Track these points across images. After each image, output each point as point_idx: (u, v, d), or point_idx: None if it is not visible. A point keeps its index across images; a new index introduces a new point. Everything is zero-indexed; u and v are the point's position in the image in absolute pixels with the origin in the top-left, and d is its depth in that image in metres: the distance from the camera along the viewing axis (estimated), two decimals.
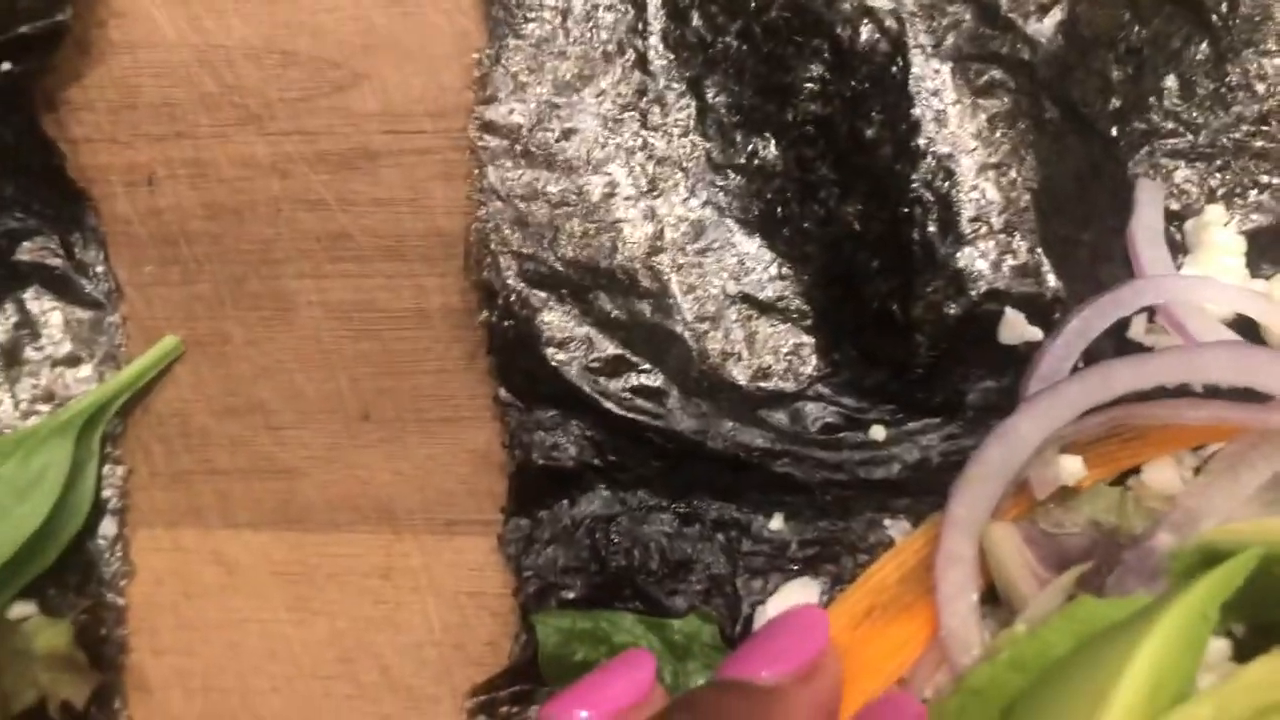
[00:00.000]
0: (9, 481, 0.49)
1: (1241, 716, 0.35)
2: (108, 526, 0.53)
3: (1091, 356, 0.50)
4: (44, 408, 0.53)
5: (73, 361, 0.54)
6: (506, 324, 0.52)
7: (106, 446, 0.53)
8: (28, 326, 0.54)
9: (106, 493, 0.53)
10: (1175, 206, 0.54)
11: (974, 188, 0.52)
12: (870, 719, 0.40)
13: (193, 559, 0.53)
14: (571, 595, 0.51)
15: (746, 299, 0.54)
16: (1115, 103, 0.55)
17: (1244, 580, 0.39)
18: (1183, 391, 0.49)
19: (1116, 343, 0.52)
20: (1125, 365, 0.46)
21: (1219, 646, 0.42)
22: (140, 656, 0.53)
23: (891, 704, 0.41)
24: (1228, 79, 0.55)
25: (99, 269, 0.55)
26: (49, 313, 0.55)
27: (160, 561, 0.53)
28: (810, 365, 0.54)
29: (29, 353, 0.54)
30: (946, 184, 0.52)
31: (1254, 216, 0.54)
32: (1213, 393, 0.49)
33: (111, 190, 0.56)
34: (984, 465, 0.46)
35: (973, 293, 0.51)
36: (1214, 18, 0.55)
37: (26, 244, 0.55)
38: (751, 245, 0.55)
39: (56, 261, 0.55)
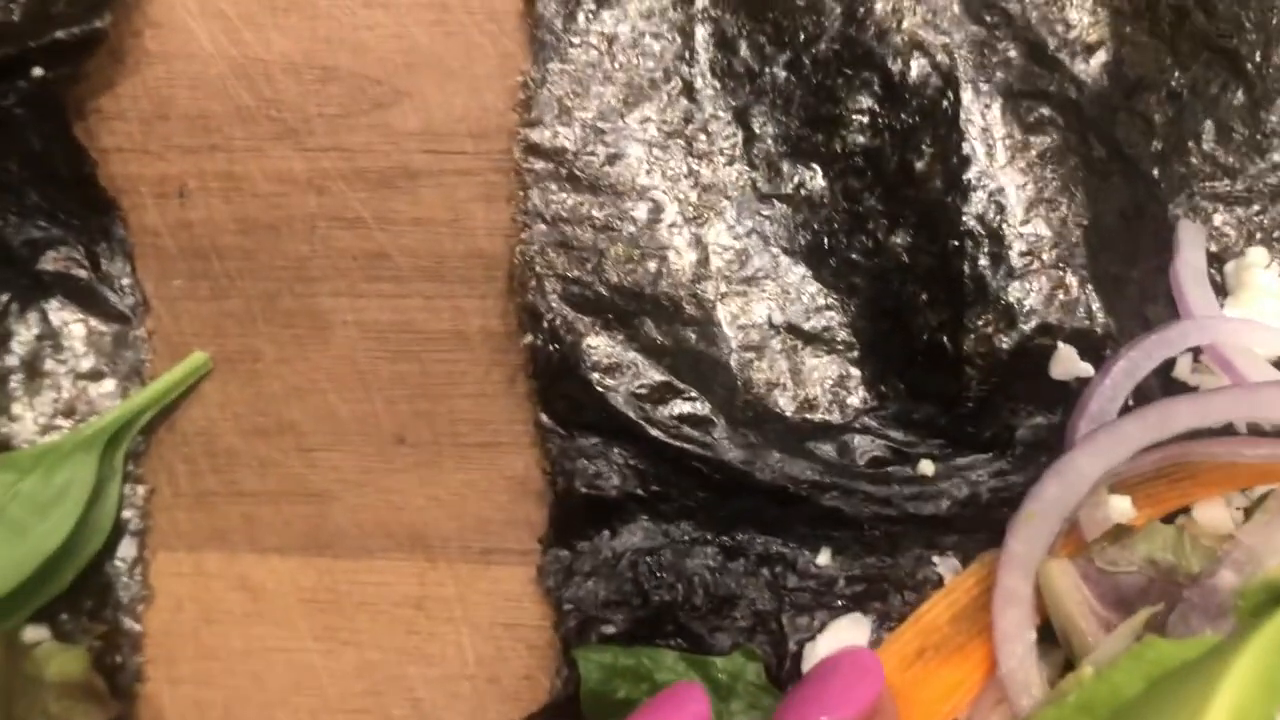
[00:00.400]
0: (30, 497, 0.47)
1: None
2: (127, 548, 0.50)
3: (1139, 396, 0.50)
4: (64, 422, 0.51)
5: (95, 376, 0.52)
6: (551, 348, 0.51)
7: (129, 465, 0.51)
8: (50, 338, 0.52)
9: (126, 513, 0.51)
10: (1214, 249, 0.55)
11: (1025, 222, 0.52)
12: None
13: (216, 584, 0.51)
14: (612, 630, 0.49)
15: (792, 329, 0.54)
16: (1157, 145, 0.55)
17: None
18: (1231, 431, 0.49)
19: (1163, 382, 0.52)
20: (1185, 403, 0.46)
21: None
22: (157, 686, 0.50)
23: None
24: (1263, 125, 0.56)
25: (125, 282, 0.53)
26: (72, 325, 0.52)
27: (181, 586, 0.51)
28: (857, 397, 0.53)
29: (50, 365, 0.52)
30: (998, 218, 0.52)
31: None
32: (1259, 432, 0.49)
33: (141, 201, 0.54)
34: (1041, 502, 0.46)
35: (1025, 327, 0.51)
36: (1249, 66, 0.56)
37: (51, 253, 0.53)
38: (797, 275, 0.54)
39: (81, 273, 0.53)
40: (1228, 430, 0.49)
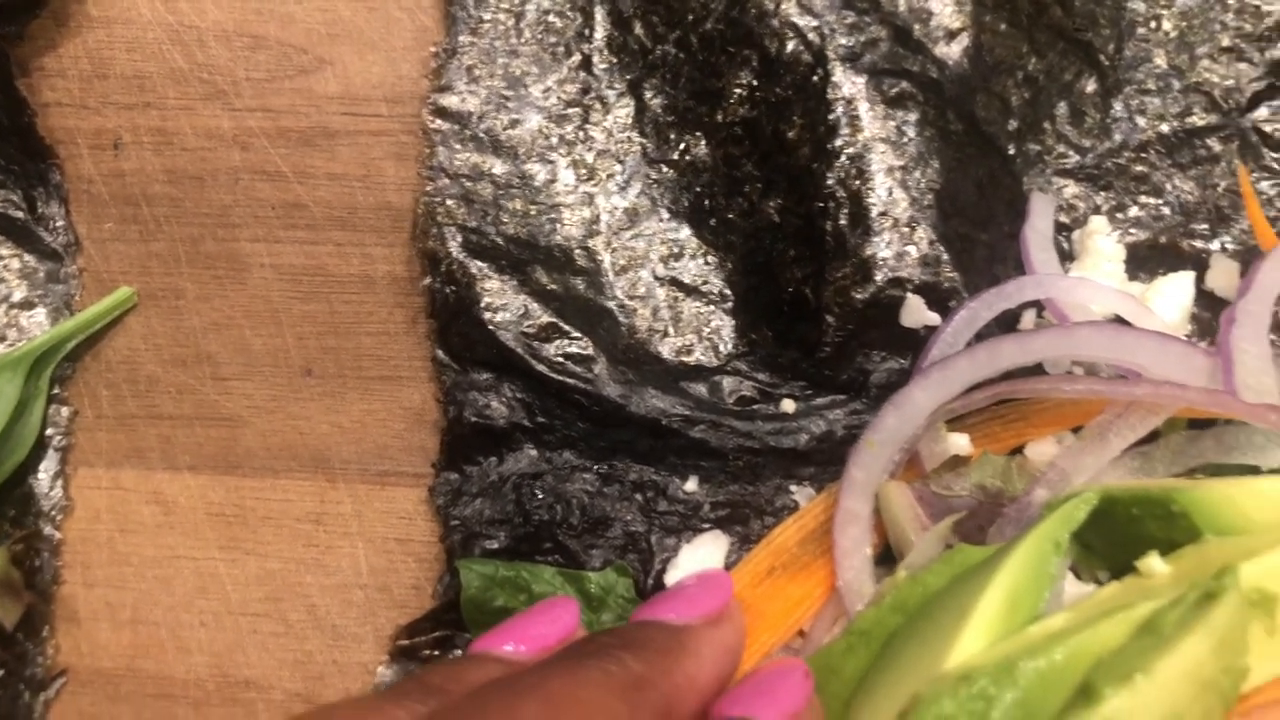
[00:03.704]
0: None
1: (1091, 622, 0.38)
2: (49, 464, 0.55)
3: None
4: None
5: (27, 306, 0.56)
6: (448, 290, 0.56)
7: (55, 388, 0.55)
8: None
9: (51, 432, 0.55)
10: (1065, 220, 0.60)
11: (883, 186, 0.57)
12: (759, 681, 0.42)
13: (131, 498, 0.55)
14: (495, 545, 0.54)
15: (674, 282, 0.59)
16: (1013, 124, 0.61)
17: (1088, 515, 0.43)
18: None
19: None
20: (1010, 341, 0.51)
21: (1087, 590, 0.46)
22: (72, 589, 0.54)
23: (780, 670, 0.43)
24: (1112, 111, 0.61)
25: (59, 223, 0.57)
26: (8, 260, 0.57)
27: (99, 499, 0.55)
28: (729, 344, 0.58)
29: None
30: (858, 182, 0.57)
31: (1132, 231, 0.60)
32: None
33: (78, 152, 0.59)
34: (881, 432, 0.51)
35: (878, 279, 0.56)
36: (1102, 57, 0.61)
37: None
38: (681, 234, 0.59)
39: (19, 214, 0.58)
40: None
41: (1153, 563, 0.42)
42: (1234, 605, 0.38)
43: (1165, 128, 0.60)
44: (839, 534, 0.50)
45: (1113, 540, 0.45)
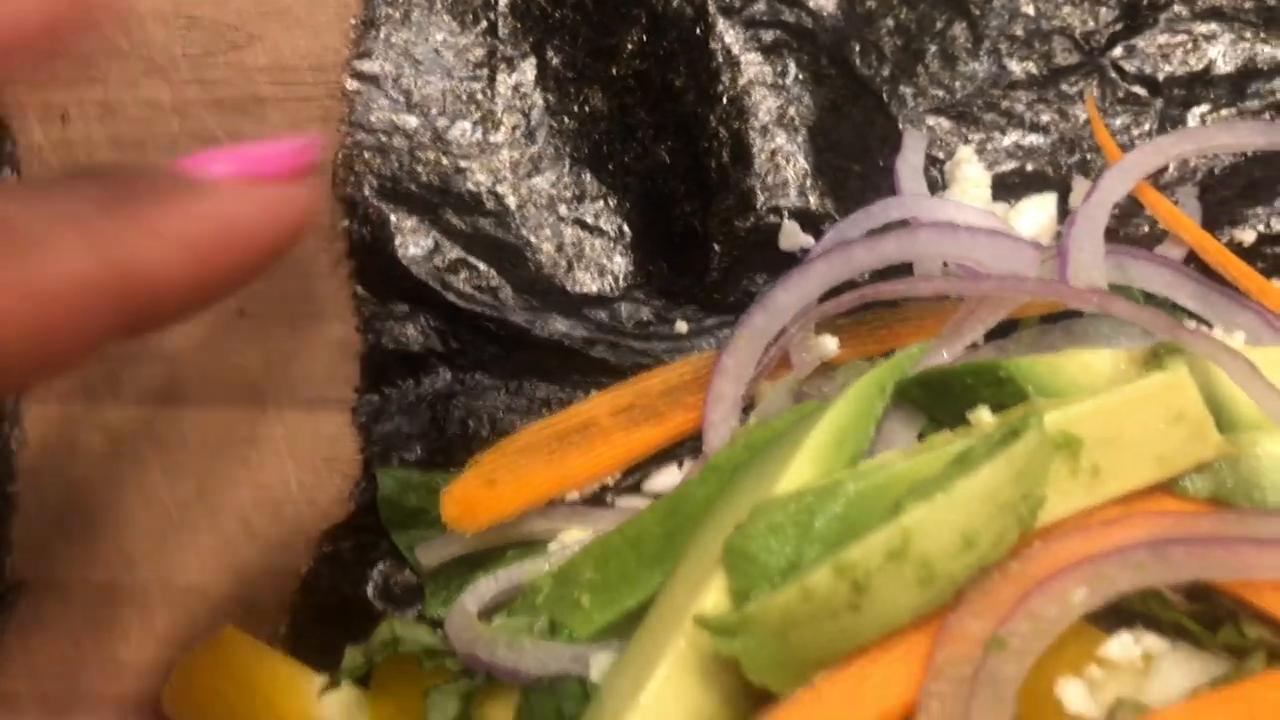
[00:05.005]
0: None
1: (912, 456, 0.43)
2: (6, 402, 0.60)
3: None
4: None
5: None
6: (364, 230, 0.61)
7: None
8: None
9: None
10: (940, 155, 0.65)
11: (760, 125, 0.62)
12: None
13: (81, 428, 0.60)
14: (412, 457, 0.59)
15: (577, 222, 0.64)
16: (887, 69, 0.66)
17: (926, 387, 0.48)
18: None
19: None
20: (860, 245, 0.56)
21: None
22: (26, 511, 0.60)
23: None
24: (981, 54, 0.66)
25: None
26: None
27: (51, 431, 0.60)
28: (627, 276, 0.63)
29: None
30: (738, 122, 0.62)
31: (1002, 163, 0.65)
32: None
33: (28, 125, 0.65)
34: (750, 328, 0.56)
35: (758, 207, 0.61)
36: (972, 6, 0.67)
37: None
38: (582, 178, 0.64)
39: None
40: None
41: (981, 414, 0.46)
42: (1035, 440, 0.43)
43: (1033, 68, 0.66)
44: (709, 410, 0.55)
45: (952, 411, 0.50)
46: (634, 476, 0.58)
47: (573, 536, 0.54)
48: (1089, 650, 0.43)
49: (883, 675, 0.41)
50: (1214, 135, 0.61)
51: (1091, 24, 0.66)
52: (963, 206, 0.61)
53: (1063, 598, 0.42)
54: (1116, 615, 0.45)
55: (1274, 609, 0.43)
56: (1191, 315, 0.58)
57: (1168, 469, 0.45)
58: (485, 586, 0.51)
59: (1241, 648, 0.43)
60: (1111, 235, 0.60)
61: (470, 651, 0.47)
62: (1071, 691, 0.42)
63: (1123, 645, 0.43)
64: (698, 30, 0.64)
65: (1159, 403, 0.45)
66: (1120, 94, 0.65)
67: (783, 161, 0.62)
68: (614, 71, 0.65)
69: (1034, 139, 0.65)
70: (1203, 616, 0.45)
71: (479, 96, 0.65)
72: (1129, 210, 0.64)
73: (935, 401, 0.50)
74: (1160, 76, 0.65)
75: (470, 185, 0.63)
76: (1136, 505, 0.45)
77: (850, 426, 0.45)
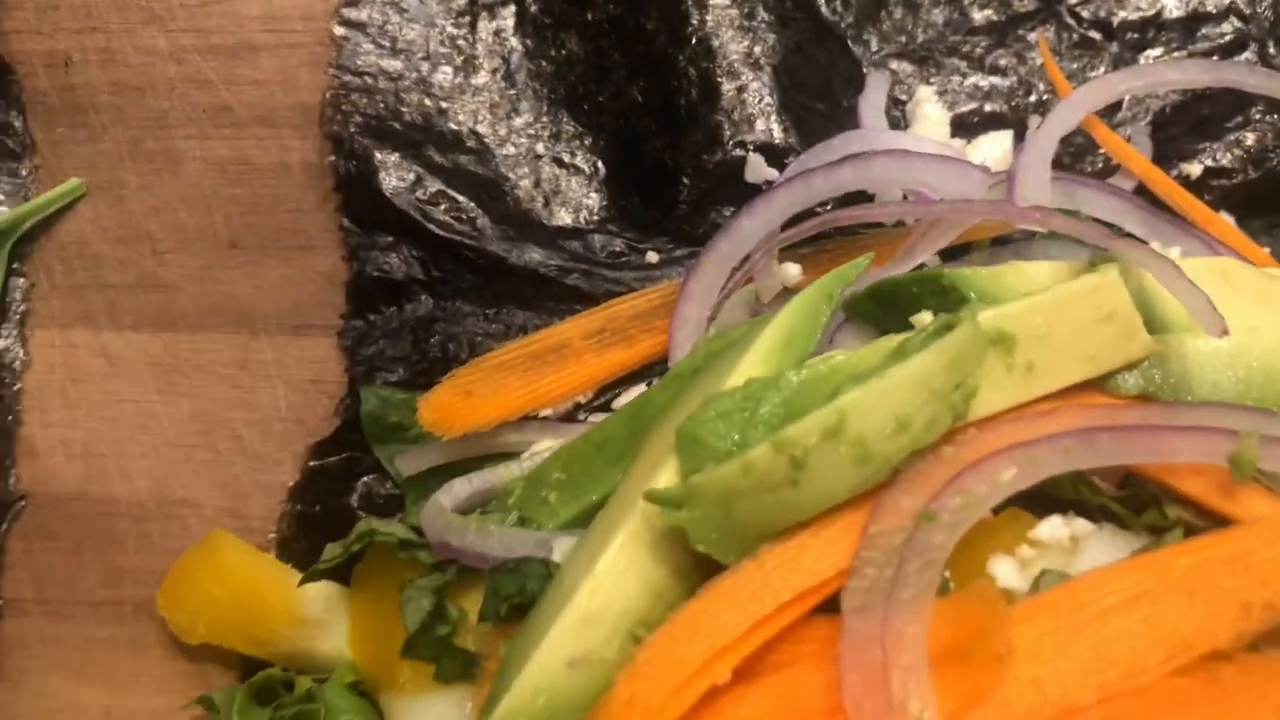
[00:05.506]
0: None
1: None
2: (10, 327, 0.63)
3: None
4: None
5: None
6: (350, 165, 0.64)
7: (14, 264, 0.64)
8: None
9: (11, 299, 0.64)
10: (903, 97, 0.68)
11: (727, 64, 0.65)
12: None
13: (81, 353, 0.64)
14: (394, 379, 0.62)
15: (554, 160, 0.67)
16: (851, 15, 0.69)
17: (876, 299, 0.51)
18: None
19: None
20: (820, 174, 0.58)
21: None
22: (30, 429, 0.63)
23: None
24: (942, 4, 0.69)
25: (17, 126, 0.66)
26: None
27: (53, 355, 0.64)
28: (601, 210, 0.66)
29: None
30: (706, 62, 0.65)
31: (958, 105, 0.67)
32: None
33: (34, 70, 0.68)
34: (714, 253, 0.58)
35: (725, 142, 0.64)
36: None
37: None
38: (558, 117, 0.67)
39: None
40: None
41: (924, 315, 0.49)
42: (968, 333, 0.45)
43: (992, 14, 0.68)
44: (675, 331, 0.58)
45: (900, 320, 0.52)
46: (605, 396, 0.62)
47: (544, 447, 0.57)
48: (1021, 534, 0.46)
49: (822, 547, 0.43)
50: (1163, 72, 0.64)
51: None
52: (920, 140, 0.64)
53: (992, 477, 0.44)
54: (1049, 504, 0.48)
55: (1193, 491, 0.46)
56: (1138, 241, 0.61)
57: (1099, 366, 0.48)
58: (460, 487, 0.53)
59: (1162, 528, 0.46)
60: (1066, 171, 0.63)
61: (441, 539, 0.50)
62: (1002, 567, 0.45)
63: (1052, 527, 0.46)
64: None
65: (1089, 302, 0.48)
66: (1075, 38, 0.68)
67: (749, 99, 0.65)
68: (589, 16, 0.68)
69: (993, 80, 0.67)
70: (1129, 502, 0.47)
71: (460, 42, 0.68)
72: (1084, 148, 0.66)
73: (885, 312, 0.53)
74: (1114, 21, 0.68)
75: (452, 125, 0.66)
76: (1070, 400, 0.48)
77: (798, 329, 0.48)
